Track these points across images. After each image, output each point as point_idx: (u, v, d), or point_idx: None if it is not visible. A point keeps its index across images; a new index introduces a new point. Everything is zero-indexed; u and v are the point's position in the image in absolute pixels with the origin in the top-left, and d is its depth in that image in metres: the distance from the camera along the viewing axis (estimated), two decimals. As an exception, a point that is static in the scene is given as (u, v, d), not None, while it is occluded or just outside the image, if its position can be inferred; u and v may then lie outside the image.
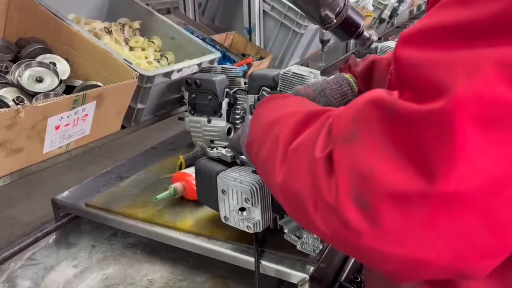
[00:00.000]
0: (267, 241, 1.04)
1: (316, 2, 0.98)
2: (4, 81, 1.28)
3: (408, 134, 0.43)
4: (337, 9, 1.00)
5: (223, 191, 0.97)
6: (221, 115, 1.51)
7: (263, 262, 1.00)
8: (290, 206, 0.59)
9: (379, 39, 3.63)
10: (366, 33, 1.07)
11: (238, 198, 0.95)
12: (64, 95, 1.24)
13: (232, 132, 1.54)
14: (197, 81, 1.52)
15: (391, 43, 2.04)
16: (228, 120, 1.52)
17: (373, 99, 0.47)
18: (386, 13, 3.97)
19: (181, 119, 1.68)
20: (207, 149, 1.10)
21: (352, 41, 1.12)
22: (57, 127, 1.18)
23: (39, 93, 1.26)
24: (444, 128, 0.40)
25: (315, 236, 0.93)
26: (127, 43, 1.75)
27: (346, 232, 0.46)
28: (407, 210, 0.42)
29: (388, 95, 0.47)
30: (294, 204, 0.56)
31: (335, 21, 1.00)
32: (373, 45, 2.05)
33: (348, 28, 1.04)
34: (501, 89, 0.39)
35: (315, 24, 1.06)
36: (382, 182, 0.43)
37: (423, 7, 6.11)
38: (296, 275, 0.97)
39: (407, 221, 0.42)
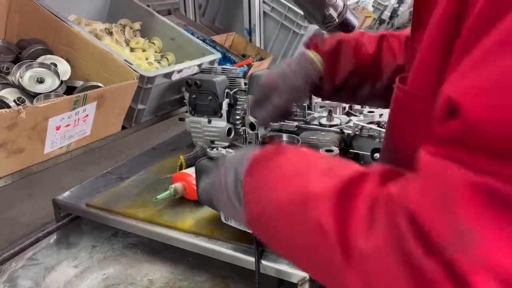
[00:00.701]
0: (267, 241, 1.04)
1: (321, 1, 0.99)
2: (5, 82, 1.29)
3: None
4: (339, 9, 1.01)
5: (223, 191, 0.97)
6: (221, 116, 1.52)
7: (264, 262, 1.00)
8: None
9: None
10: None
11: (238, 198, 0.95)
12: (65, 95, 1.25)
13: (232, 132, 1.54)
14: (198, 81, 1.52)
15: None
16: (228, 121, 1.53)
17: (467, 184, 0.38)
18: (386, 14, 3.98)
19: (182, 119, 1.69)
20: (207, 150, 1.11)
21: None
22: (58, 128, 1.18)
23: (40, 93, 1.27)
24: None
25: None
26: (127, 44, 1.76)
27: None
28: None
29: (477, 175, 0.38)
30: None
31: (337, 20, 1.02)
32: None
33: (345, 28, 1.05)
34: None
35: (314, 24, 1.06)
36: None
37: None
38: (296, 275, 0.97)
39: None
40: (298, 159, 0.61)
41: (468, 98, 0.39)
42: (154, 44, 1.82)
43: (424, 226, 0.40)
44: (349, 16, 1.04)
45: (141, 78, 1.40)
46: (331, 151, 1.10)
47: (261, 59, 2.21)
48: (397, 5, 4.16)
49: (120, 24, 1.80)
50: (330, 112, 1.30)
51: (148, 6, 1.97)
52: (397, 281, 0.43)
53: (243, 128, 1.55)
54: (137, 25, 1.83)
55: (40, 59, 1.36)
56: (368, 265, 0.46)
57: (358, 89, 0.97)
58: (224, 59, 2.03)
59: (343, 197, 0.50)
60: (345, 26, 1.04)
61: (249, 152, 0.65)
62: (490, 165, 0.38)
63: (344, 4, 1.02)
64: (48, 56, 1.39)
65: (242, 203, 0.63)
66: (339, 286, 0.50)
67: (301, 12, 2.23)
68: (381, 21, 4.04)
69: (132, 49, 1.76)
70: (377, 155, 1.16)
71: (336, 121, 1.28)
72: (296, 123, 1.28)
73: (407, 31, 0.87)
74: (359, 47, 0.97)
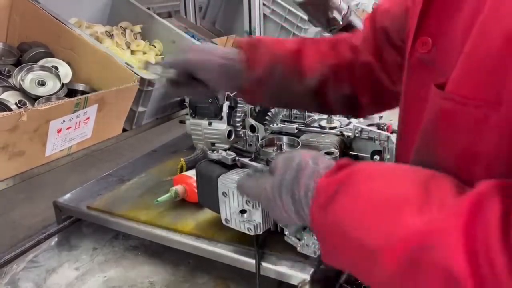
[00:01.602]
0: (267, 243, 1.04)
1: (326, 5, 0.99)
2: (7, 84, 1.30)
3: None
4: (343, 12, 1.02)
5: (223, 194, 0.98)
6: (222, 118, 1.52)
7: (264, 264, 1.00)
8: None
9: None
10: None
11: (239, 200, 0.95)
12: (66, 98, 1.25)
13: (233, 135, 1.54)
14: (198, 84, 1.52)
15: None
16: (229, 123, 1.53)
17: None
18: (386, 16, 3.98)
19: (182, 122, 1.69)
20: (208, 152, 1.11)
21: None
22: (59, 130, 1.18)
23: (41, 96, 1.27)
24: None
25: (315, 238, 0.93)
26: (128, 47, 1.76)
27: None
28: None
29: None
30: None
31: (341, 23, 1.02)
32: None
33: (350, 30, 1.05)
34: None
35: (318, 26, 1.07)
36: None
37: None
38: (296, 277, 0.97)
39: None
40: (379, 185, 0.52)
41: None
42: (155, 47, 1.83)
43: None
44: (354, 18, 1.05)
45: (142, 80, 1.40)
46: (331, 153, 1.10)
47: (262, 61, 2.21)
48: (397, 7, 4.16)
49: (120, 27, 1.81)
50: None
51: (149, 8, 1.98)
52: None
53: (244, 130, 1.56)
54: (137, 28, 1.84)
55: (41, 62, 1.37)
56: None
57: (281, 87, 0.94)
58: (225, 62, 2.03)
59: (472, 239, 0.41)
60: (350, 28, 1.05)
61: (308, 171, 0.58)
62: None
63: (348, 7, 1.02)
64: (49, 59, 1.40)
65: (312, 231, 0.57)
66: None
67: (301, 15, 2.24)
68: (381, 23, 4.05)
69: (132, 52, 1.76)
70: (377, 157, 1.17)
71: (336, 124, 1.29)
72: (296, 126, 1.28)
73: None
74: (280, 43, 0.97)
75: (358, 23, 1.08)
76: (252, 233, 0.97)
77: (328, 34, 1.13)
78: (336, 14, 1.01)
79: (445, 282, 0.42)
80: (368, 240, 0.48)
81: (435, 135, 0.57)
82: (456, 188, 0.48)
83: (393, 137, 1.10)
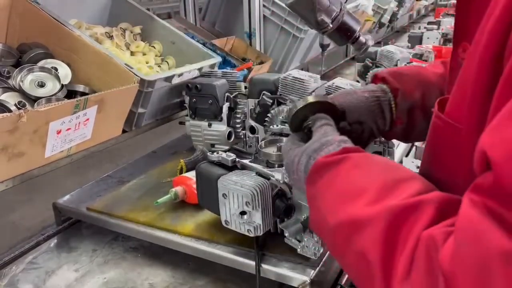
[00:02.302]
0: (267, 244, 1.04)
1: (312, 6, 0.98)
2: (6, 86, 1.29)
3: None
4: (333, 14, 1.00)
5: (223, 195, 0.98)
6: (221, 119, 1.52)
7: (264, 266, 1.00)
8: None
9: (379, 43, 3.65)
10: (362, 38, 1.08)
11: (239, 202, 0.95)
12: (65, 99, 1.25)
13: (233, 136, 1.54)
14: (198, 85, 1.52)
15: (391, 47, 2.05)
16: (228, 124, 1.53)
17: (501, 255, 0.38)
18: (385, 18, 3.99)
19: (182, 123, 1.69)
20: (208, 153, 1.11)
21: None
22: (58, 132, 1.18)
23: (41, 97, 1.27)
24: None
25: (315, 239, 0.93)
26: (128, 48, 1.76)
27: None
28: None
29: (506, 240, 0.38)
30: None
31: (331, 25, 1.01)
32: (373, 50, 2.08)
33: (344, 33, 1.04)
34: None
35: (312, 28, 1.06)
36: None
37: (423, 12, 6.13)
38: (296, 279, 0.97)
39: None
40: (356, 174, 0.61)
41: (498, 153, 0.40)
42: (155, 48, 1.83)
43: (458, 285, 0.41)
44: (348, 20, 1.03)
45: (142, 82, 1.40)
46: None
47: (261, 62, 2.21)
48: (397, 8, 4.17)
49: (120, 28, 1.81)
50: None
51: (148, 9, 1.98)
52: None
53: (244, 131, 1.56)
54: (137, 29, 1.84)
55: (41, 63, 1.36)
56: None
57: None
58: (224, 63, 2.03)
59: (391, 229, 0.49)
60: (343, 31, 1.04)
61: (315, 146, 0.68)
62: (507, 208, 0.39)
63: (340, 9, 1.01)
64: (49, 60, 1.40)
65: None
66: None
67: (299, 17, 2.24)
68: (381, 25, 4.05)
69: (132, 53, 1.76)
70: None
71: (336, 125, 1.28)
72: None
73: None
74: (422, 68, 0.91)
75: (354, 24, 1.07)
76: (252, 235, 0.97)
77: (322, 36, 1.12)
78: (324, 17, 1.00)
79: (358, 261, 0.52)
80: (329, 218, 0.59)
81: (431, 150, 0.66)
82: (418, 191, 0.53)
83: (393, 138, 1.10)
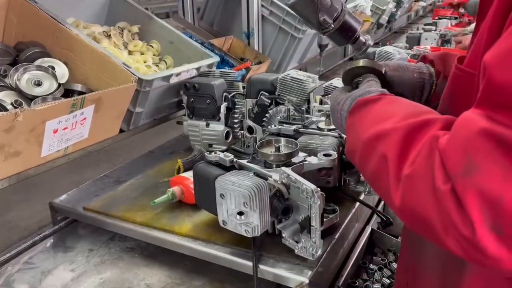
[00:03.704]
0: (265, 245, 1.04)
1: (314, 6, 0.98)
2: (3, 84, 1.29)
3: None
4: (335, 14, 1.00)
5: (221, 195, 0.97)
6: (219, 119, 1.52)
7: (261, 266, 1.00)
8: (412, 224, 0.63)
9: (377, 44, 3.65)
10: (362, 38, 1.08)
11: (236, 202, 0.95)
12: (62, 98, 1.24)
13: (231, 136, 1.54)
14: (196, 85, 1.52)
15: (389, 48, 2.05)
16: (226, 124, 1.52)
17: (481, 131, 0.50)
18: (384, 18, 3.99)
19: (180, 123, 1.68)
20: (206, 153, 1.10)
21: (350, 46, 1.12)
22: (55, 131, 1.18)
23: (38, 96, 1.26)
24: None
25: (313, 240, 0.93)
26: (126, 47, 1.75)
27: (485, 258, 0.50)
28: None
29: (489, 123, 0.49)
30: (418, 223, 0.60)
31: (333, 26, 1.01)
32: (371, 50, 2.07)
33: (345, 33, 1.04)
34: None
35: (312, 29, 1.06)
36: None
37: (421, 13, 6.14)
38: (294, 279, 0.97)
39: None
40: (389, 106, 0.74)
41: (493, 60, 0.50)
42: (153, 47, 1.82)
43: (447, 163, 0.53)
44: (349, 20, 1.03)
45: (139, 81, 1.40)
46: (329, 155, 1.10)
47: (259, 62, 2.21)
48: (395, 9, 4.17)
49: (118, 27, 1.80)
50: (328, 116, 1.30)
51: (147, 9, 1.98)
52: (424, 199, 0.56)
53: (241, 131, 1.55)
54: (135, 28, 1.83)
55: (37, 62, 1.36)
56: (409, 183, 0.59)
57: None
58: (223, 63, 2.03)
59: (407, 136, 0.62)
60: (345, 30, 1.04)
61: (360, 92, 0.81)
62: (505, 118, 0.48)
63: (342, 9, 1.01)
64: (46, 59, 1.39)
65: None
66: (387, 198, 0.64)
67: (300, 17, 2.24)
68: (379, 25, 4.06)
69: (130, 52, 1.76)
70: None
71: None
72: (294, 127, 1.27)
73: None
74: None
75: (354, 24, 1.06)
76: (249, 235, 0.96)
77: (322, 36, 1.12)
78: (326, 17, 0.99)
79: (379, 162, 0.65)
80: (362, 135, 0.72)
81: (449, 101, 0.78)
82: (431, 115, 0.66)
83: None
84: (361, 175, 1.18)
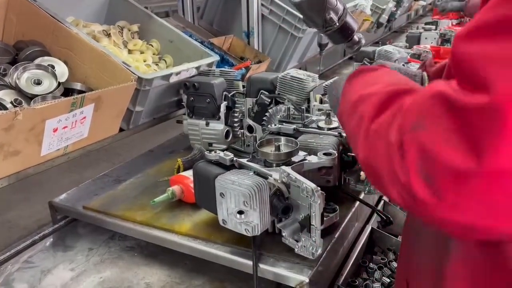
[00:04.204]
0: (265, 244, 1.04)
1: (321, 5, 0.98)
2: (2, 83, 1.28)
3: (465, 124, 0.52)
4: (339, 13, 1.01)
5: (221, 194, 0.97)
6: (219, 118, 1.51)
7: (261, 265, 1.00)
8: (370, 178, 0.71)
9: (377, 43, 3.65)
10: (356, 37, 1.09)
11: (236, 201, 0.95)
12: (62, 97, 1.24)
13: (230, 135, 1.54)
14: (196, 84, 1.52)
15: (389, 47, 2.05)
16: (226, 123, 1.52)
17: (434, 94, 0.56)
18: (384, 18, 3.99)
19: (179, 122, 1.68)
20: (205, 152, 1.10)
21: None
22: (55, 130, 1.17)
23: (37, 95, 1.26)
24: (492, 117, 0.49)
25: (313, 239, 0.93)
26: (125, 46, 1.75)
27: (416, 204, 0.57)
28: (464, 184, 0.52)
29: (446, 88, 0.55)
30: (374, 178, 0.68)
31: (337, 24, 1.01)
32: (371, 49, 2.07)
33: (345, 31, 1.05)
34: None
35: (313, 28, 1.06)
36: (445, 163, 0.53)
37: (421, 12, 6.14)
38: (294, 278, 0.97)
39: (464, 193, 0.52)
40: (381, 75, 0.81)
41: (460, 33, 0.55)
42: (152, 46, 1.82)
43: (403, 121, 0.59)
44: (349, 19, 1.04)
45: (139, 80, 1.39)
46: (329, 154, 1.10)
47: (259, 61, 2.21)
48: (395, 8, 4.17)
49: (118, 26, 1.80)
50: (328, 115, 1.30)
51: (147, 8, 1.97)
52: (379, 153, 0.63)
53: (241, 130, 1.55)
54: (135, 27, 1.83)
55: (37, 61, 1.36)
56: (373, 137, 0.66)
57: None
58: (222, 62, 2.02)
59: (384, 101, 0.68)
60: (345, 30, 1.04)
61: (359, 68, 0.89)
62: (460, 86, 0.53)
63: (344, 8, 1.02)
64: (46, 57, 1.39)
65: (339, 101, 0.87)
66: (356, 152, 0.73)
67: (299, 15, 2.23)
68: (379, 25, 4.05)
69: (130, 51, 1.75)
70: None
71: (334, 124, 1.28)
72: (294, 126, 1.27)
73: None
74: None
75: (353, 24, 1.07)
76: (249, 234, 0.96)
77: (323, 35, 1.13)
78: (332, 15, 1.00)
79: (357, 121, 0.72)
80: (352, 98, 0.79)
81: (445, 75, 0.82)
82: (412, 85, 0.73)
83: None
84: (361, 174, 1.19)
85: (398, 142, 0.59)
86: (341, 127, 1.29)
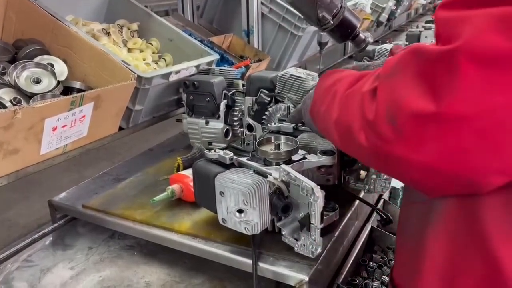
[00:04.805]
0: (265, 243, 1.04)
1: (313, 3, 0.98)
2: (1, 82, 1.28)
3: (428, 70, 0.57)
4: (334, 11, 1.00)
5: (221, 193, 0.97)
6: (219, 117, 1.51)
7: (261, 264, 1.00)
8: (341, 136, 0.75)
9: (377, 42, 3.64)
10: (362, 35, 1.08)
11: (236, 200, 0.94)
12: (61, 96, 1.24)
13: (230, 134, 1.54)
14: (195, 82, 1.51)
15: (389, 46, 2.04)
16: (226, 122, 1.52)
17: (411, 49, 0.61)
18: (383, 16, 3.98)
19: (179, 120, 1.68)
20: (205, 151, 1.10)
21: (350, 43, 1.12)
22: (54, 129, 1.17)
23: (37, 94, 1.26)
24: (451, 65, 0.54)
25: (313, 238, 0.92)
26: (125, 45, 1.75)
27: (381, 143, 0.62)
28: (423, 126, 0.57)
29: (423, 45, 0.59)
30: (344, 133, 0.72)
31: (332, 22, 1.00)
32: (371, 48, 2.07)
33: (344, 29, 1.04)
34: (496, 38, 0.51)
35: (312, 25, 1.06)
36: (407, 106, 0.58)
37: (421, 10, 6.13)
38: (294, 277, 0.96)
39: (423, 134, 0.57)
40: (347, 73, 0.85)
41: (439, 6, 0.60)
42: (152, 45, 1.82)
43: (383, 70, 0.66)
44: (348, 16, 1.03)
45: (139, 79, 1.39)
46: (329, 153, 1.09)
47: (259, 60, 2.20)
48: (395, 7, 4.16)
49: (117, 24, 1.80)
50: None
51: (146, 7, 1.97)
52: (352, 107, 0.69)
53: (241, 129, 1.55)
54: (134, 26, 1.82)
55: (36, 59, 1.35)
56: (346, 98, 0.73)
57: None
58: (222, 60, 2.02)
59: (360, 76, 0.75)
60: (344, 27, 1.03)
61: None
62: (435, 43, 0.59)
63: (341, 6, 1.01)
64: (45, 56, 1.39)
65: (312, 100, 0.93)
66: (329, 121, 0.79)
67: (299, 14, 2.23)
68: (379, 23, 4.05)
69: (129, 50, 1.75)
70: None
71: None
72: (293, 125, 1.27)
73: None
74: None
75: (354, 21, 1.06)
76: (249, 233, 0.96)
77: (322, 33, 1.12)
78: (325, 13, 0.99)
79: (333, 96, 0.79)
80: (327, 83, 0.86)
81: None
82: None
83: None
84: (361, 172, 1.18)
85: (372, 89, 0.65)
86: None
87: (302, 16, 1.07)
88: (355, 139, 0.68)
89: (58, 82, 1.32)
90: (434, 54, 0.57)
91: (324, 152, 1.10)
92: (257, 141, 1.13)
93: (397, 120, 0.59)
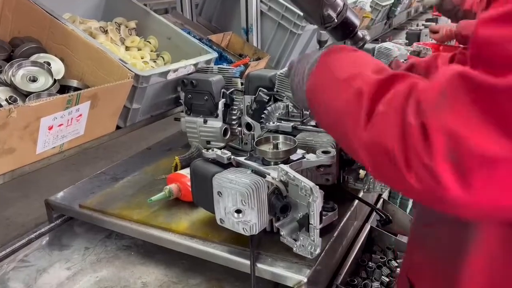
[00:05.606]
0: (263, 243, 1.03)
1: (319, 1, 0.97)
2: (-3, 80, 1.27)
3: (494, 106, 0.51)
4: (338, 9, 1.00)
5: (218, 193, 0.96)
6: (217, 116, 1.50)
7: (259, 265, 0.99)
8: (374, 161, 0.67)
9: (376, 40, 3.63)
10: (360, 33, 1.07)
11: (234, 200, 0.93)
12: (57, 94, 1.23)
13: (228, 133, 1.53)
14: (194, 81, 1.50)
15: (389, 44, 2.03)
16: (224, 121, 1.51)
17: (455, 74, 0.54)
18: (383, 15, 3.97)
19: (177, 119, 1.67)
20: (203, 150, 1.09)
21: (348, 42, 1.11)
22: (50, 128, 1.16)
23: (33, 92, 1.25)
24: None
25: (311, 239, 0.91)
26: (123, 43, 1.74)
27: (438, 187, 0.55)
28: (494, 169, 0.51)
29: (466, 69, 0.54)
30: (380, 159, 0.64)
31: (336, 20, 1.00)
32: (371, 46, 2.06)
33: (346, 28, 1.03)
34: None
35: (313, 24, 1.05)
36: (474, 147, 0.51)
37: (421, 9, 6.12)
38: (292, 278, 0.95)
39: (494, 178, 0.52)
40: (368, 56, 0.81)
41: (481, 19, 0.55)
42: (150, 43, 1.80)
43: (423, 100, 0.58)
44: (350, 15, 1.02)
45: (136, 77, 1.38)
46: (328, 152, 1.09)
47: (258, 58, 2.19)
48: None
49: (115, 22, 1.79)
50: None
51: (145, 5, 1.96)
52: (392, 134, 0.60)
53: (239, 128, 1.54)
54: (132, 24, 1.81)
55: (33, 58, 1.34)
56: (382, 118, 0.64)
57: None
58: (221, 59, 2.01)
59: (389, 80, 0.66)
60: (346, 26, 1.03)
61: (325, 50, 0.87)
62: (483, 69, 0.52)
63: (344, 4, 1.00)
64: (42, 54, 1.37)
65: (307, 78, 0.86)
66: (352, 133, 0.69)
67: (298, 12, 2.22)
68: (378, 21, 4.04)
69: (127, 48, 1.74)
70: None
71: (333, 122, 1.27)
72: (292, 124, 1.26)
73: None
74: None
75: (355, 20, 1.06)
76: (247, 234, 0.95)
77: (323, 31, 1.11)
78: (330, 11, 0.99)
79: (354, 96, 0.70)
80: (340, 74, 0.77)
81: None
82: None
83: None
84: (360, 172, 1.17)
85: (419, 124, 0.57)
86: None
87: (302, 15, 1.06)
88: (401, 176, 0.60)
89: (55, 81, 1.31)
90: (500, 87, 0.50)
91: (323, 152, 1.09)
92: (256, 140, 1.11)
93: (462, 163, 0.53)
